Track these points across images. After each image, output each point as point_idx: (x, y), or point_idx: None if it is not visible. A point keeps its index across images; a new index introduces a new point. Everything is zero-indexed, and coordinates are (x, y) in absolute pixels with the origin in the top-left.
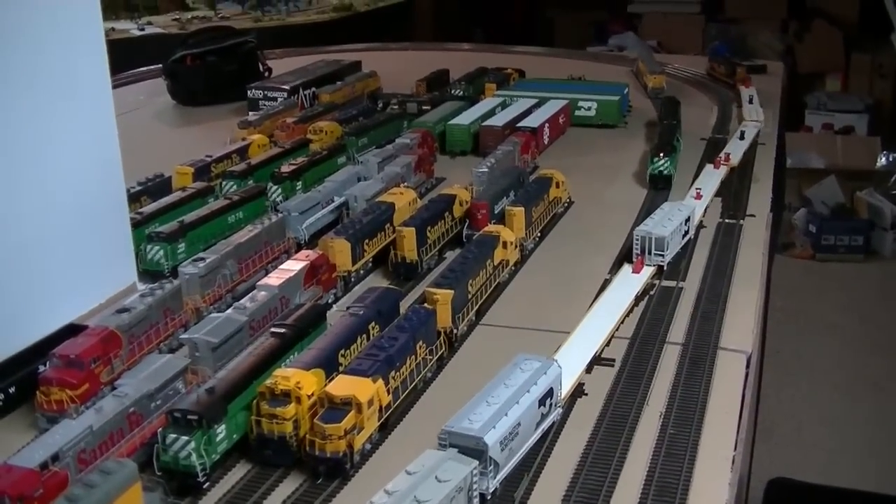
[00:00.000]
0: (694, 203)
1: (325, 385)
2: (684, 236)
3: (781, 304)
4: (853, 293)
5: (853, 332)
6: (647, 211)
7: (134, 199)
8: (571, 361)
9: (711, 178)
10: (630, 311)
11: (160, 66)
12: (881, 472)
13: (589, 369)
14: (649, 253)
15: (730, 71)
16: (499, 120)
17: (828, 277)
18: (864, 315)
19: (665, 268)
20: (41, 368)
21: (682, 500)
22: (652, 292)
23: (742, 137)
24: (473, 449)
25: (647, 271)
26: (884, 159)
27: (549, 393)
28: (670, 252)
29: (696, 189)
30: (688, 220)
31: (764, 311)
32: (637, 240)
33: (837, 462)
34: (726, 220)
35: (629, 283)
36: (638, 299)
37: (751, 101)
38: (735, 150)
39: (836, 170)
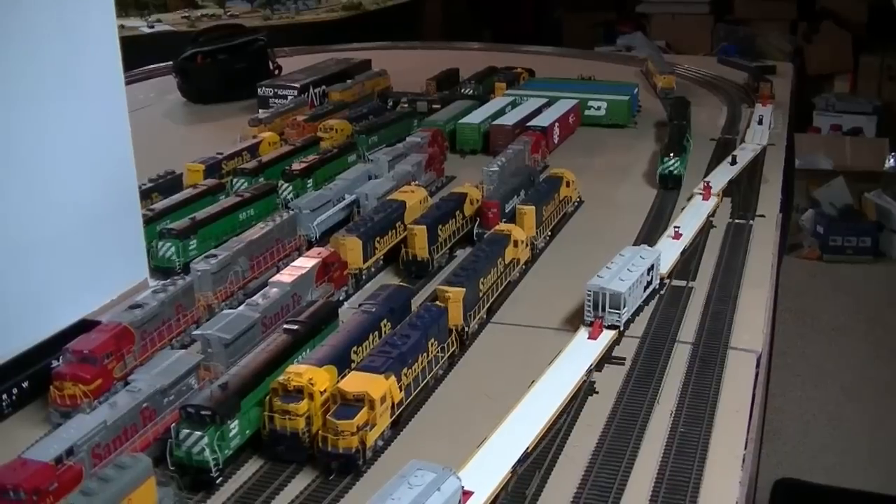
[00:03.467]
0: (658, 249)
1: (338, 382)
2: (647, 287)
3: (788, 306)
4: (860, 295)
5: (860, 334)
6: (657, 211)
7: (145, 195)
8: (488, 467)
9: (698, 211)
10: (580, 388)
11: (170, 63)
12: (888, 473)
13: (599, 368)
14: (602, 310)
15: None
16: (509, 119)
17: (835, 279)
18: (872, 317)
19: (622, 329)
20: (54, 364)
21: (693, 499)
22: (663, 292)
23: (733, 162)
24: None
25: (607, 336)
26: (892, 161)
27: None
28: (628, 310)
29: (675, 228)
30: (651, 269)
31: (773, 312)
32: (588, 295)
33: (844, 463)
34: (736, 221)
35: (582, 354)
36: (589, 375)
37: (760, 122)
38: (718, 178)
39: (844, 171)
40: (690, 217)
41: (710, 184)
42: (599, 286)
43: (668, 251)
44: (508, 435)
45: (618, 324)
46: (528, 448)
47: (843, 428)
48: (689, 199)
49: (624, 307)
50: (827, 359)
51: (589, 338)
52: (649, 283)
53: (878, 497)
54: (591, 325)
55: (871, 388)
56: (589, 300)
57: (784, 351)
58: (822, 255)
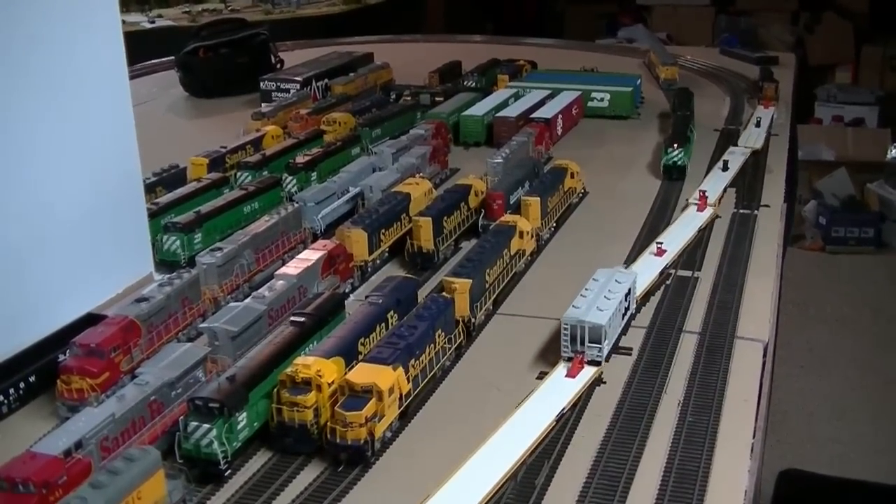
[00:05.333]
0: (634, 272)
1: (346, 373)
2: (625, 315)
3: (792, 297)
4: (863, 286)
5: (863, 325)
6: (661, 202)
7: (149, 189)
8: None
9: (689, 224)
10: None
11: (172, 58)
12: (892, 463)
13: (607, 359)
14: (581, 344)
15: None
16: (512, 111)
17: (838, 270)
18: (875, 308)
19: (603, 363)
20: (61, 357)
21: (703, 487)
22: (668, 282)
23: (725, 168)
24: None
25: (587, 373)
26: (894, 151)
27: None
28: (609, 343)
29: (658, 244)
30: (628, 294)
31: (777, 302)
32: (565, 329)
33: (848, 454)
34: (741, 211)
35: (558, 393)
36: (562, 417)
37: (758, 125)
38: (713, 185)
39: (846, 162)
40: (680, 230)
41: (707, 193)
42: (577, 319)
43: (648, 269)
44: (462, 483)
45: (598, 358)
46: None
47: (847, 418)
48: (685, 208)
49: (605, 340)
50: (830, 350)
51: (567, 375)
52: (626, 309)
53: (883, 487)
54: (570, 360)
55: (875, 378)
56: (566, 334)
57: (788, 342)
58: (825, 246)
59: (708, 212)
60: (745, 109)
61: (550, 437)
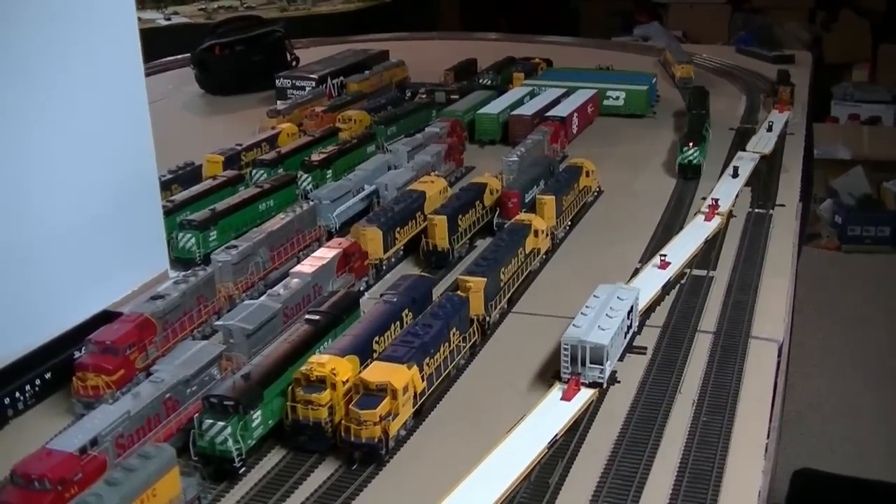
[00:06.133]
0: (637, 288)
1: (360, 371)
2: (627, 333)
3: (807, 296)
4: (879, 285)
5: (879, 324)
6: (676, 200)
7: (165, 187)
8: None
9: (695, 235)
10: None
11: (188, 55)
12: None
13: (621, 358)
14: (582, 365)
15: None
16: (528, 109)
17: (854, 269)
18: (890, 307)
19: (605, 386)
20: (77, 355)
21: (716, 487)
22: (683, 281)
23: (735, 174)
24: None
25: (585, 395)
26: None
27: None
28: (611, 364)
29: (661, 256)
30: (631, 311)
31: (792, 302)
32: (565, 349)
33: (863, 454)
34: (756, 210)
35: (552, 418)
36: (555, 444)
37: (769, 129)
38: (726, 192)
39: (862, 160)
40: (686, 241)
41: (719, 202)
42: (578, 338)
43: (651, 283)
44: None
45: (601, 380)
46: None
47: (862, 418)
48: (696, 214)
49: (607, 361)
50: (846, 349)
51: (563, 398)
52: (629, 327)
53: None
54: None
55: (891, 378)
56: (566, 354)
57: (803, 341)
58: (841, 245)
59: (716, 221)
60: (761, 108)
61: (565, 437)
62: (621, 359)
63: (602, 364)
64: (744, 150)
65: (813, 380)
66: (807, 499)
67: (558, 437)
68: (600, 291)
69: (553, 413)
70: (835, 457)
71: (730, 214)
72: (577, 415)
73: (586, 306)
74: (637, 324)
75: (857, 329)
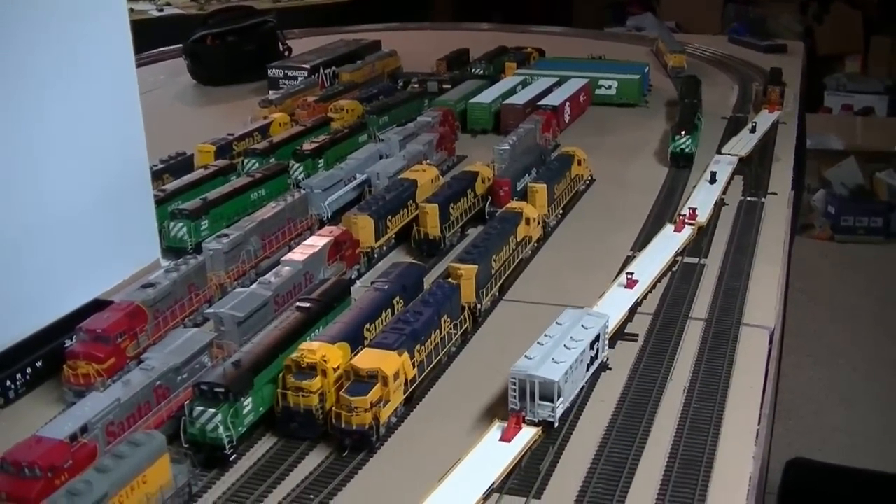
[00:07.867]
0: (606, 315)
1: (351, 358)
2: (591, 365)
3: (800, 286)
4: (872, 275)
5: (872, 314)
6: (668, 189)
7: (156, 176)
8: None
9: (665, 247)
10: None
11: (180, 46)
12: None
13: (612, 344)
14: (531, 400)
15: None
16: (520, 98)
17: (846, 259)
18: (883, 297)
19: (556, 424)
20: (68, 343)
21: (707, 474)
22: (675, 269)
23: (713, 180)
24: None
25: (527, 434)
26: None
27: None
28: (563, 401)
29: (628, 275)
30: (596, 340)
31: (784, 291)
32: (513, 383)
33: (856, 444)
34: (748, 198)
35: (489, 462)
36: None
37: (753, 130)
38: (704, 200)
39: (855, 151)
40: (653, 257)
41: (697, 211)
42: (526, 373)
43: (617, 305)
44: None
45: (551, 419)
46: None
47: (855, 408)
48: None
49: (558, 399)
50: (839, 339)
51: (501, 439)
52: (593, 358)
53: (891, 477)
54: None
55: (884, 368)
56: (514, 388)
57: (796, 332)
58: (834, 235)
59: (687, 232)
60: (754, 98)
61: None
62: (582, 391)
63: (552, 402)
64: (719, 153)
65: (806, 370)
66: (800, 489)
67: (494, 484)
68: (565, 318)
69: (490, 456)
70: (828, 447)
71: (702, 228)
72: (519, 457)
73: (545, 335)
74: (605, 354)
75: (850, 319)
